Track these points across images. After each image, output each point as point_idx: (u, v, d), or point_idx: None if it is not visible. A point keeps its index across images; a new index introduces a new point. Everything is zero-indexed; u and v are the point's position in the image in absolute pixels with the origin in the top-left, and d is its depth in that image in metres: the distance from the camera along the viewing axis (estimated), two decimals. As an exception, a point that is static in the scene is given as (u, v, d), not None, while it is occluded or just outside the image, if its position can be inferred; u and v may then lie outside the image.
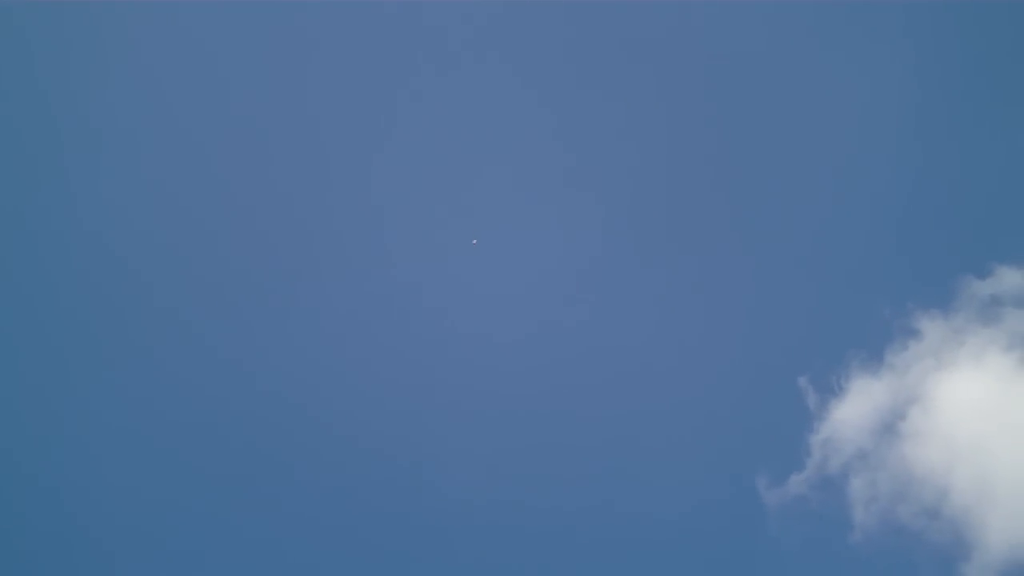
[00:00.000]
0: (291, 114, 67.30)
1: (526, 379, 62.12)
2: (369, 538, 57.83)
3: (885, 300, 61.37)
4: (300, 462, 59.48)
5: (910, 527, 56.15)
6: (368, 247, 64.78)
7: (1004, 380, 58.75)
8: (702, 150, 66.87)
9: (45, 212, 64.75)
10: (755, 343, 62.40)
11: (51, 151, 66.02)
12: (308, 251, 64.46)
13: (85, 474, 58.84)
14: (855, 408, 59.64)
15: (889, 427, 59.02)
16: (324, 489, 58.95)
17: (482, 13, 68.53)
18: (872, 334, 60.82)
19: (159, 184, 65.65)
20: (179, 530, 57.93)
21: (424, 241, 64.36)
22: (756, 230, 64.63)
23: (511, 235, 65.39)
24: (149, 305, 62.96)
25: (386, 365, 61.73)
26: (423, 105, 67.20)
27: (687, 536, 58.35)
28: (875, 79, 65.43)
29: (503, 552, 58.21)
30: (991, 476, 56.51)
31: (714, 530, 58.50)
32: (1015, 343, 59.11)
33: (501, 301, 63.56)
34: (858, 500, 57.41)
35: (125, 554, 57.29)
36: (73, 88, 67.13)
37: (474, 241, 60.46)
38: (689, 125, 67.26)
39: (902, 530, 56.17)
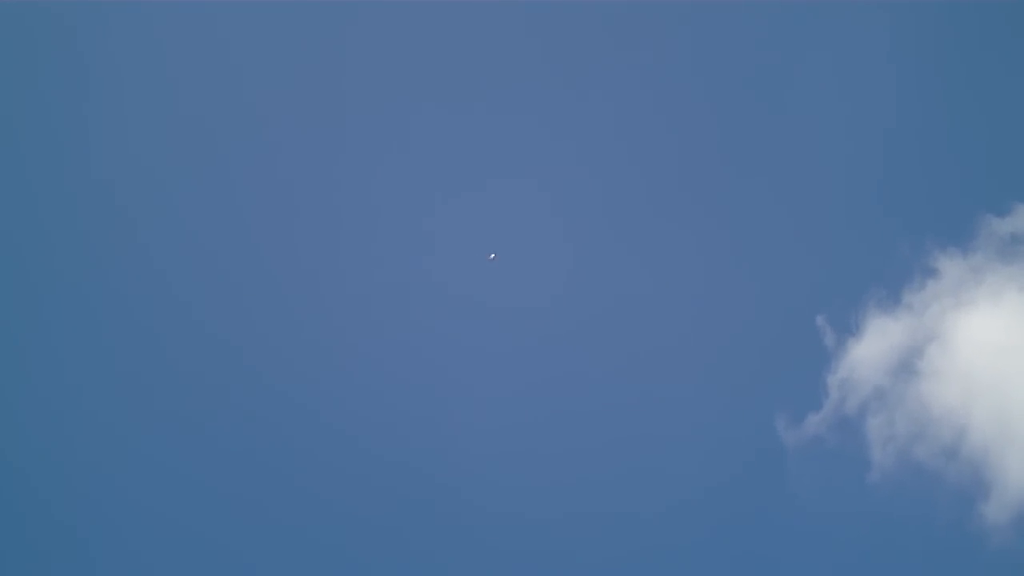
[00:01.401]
0: (290, 116, 66.63)
1: (545, 322, 61.97)
2: (369, 538, 57.62)
3: (903, 238, 60.97)
4: (300, 463, 59.17)
5: (928, 467, 56.00)
6: (368, 247, 64.29)
7: (1023, 318, 58.37)
8: (717, 83, 66.13)
9: (45, 212, 64.30)
10: (773, 282, 62.14)
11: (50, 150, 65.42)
12: (308, 251, 63.95)
13: (85, 474, 58.55)
14: (873, 347, 59.28)
15: (907, 366, 58.71)
16: (324, 491, 58.58)
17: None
18: (890, 272, 60.48)
19: (159, 185, 64.99)
20: (179, 530, 57.58)
21: (427, 239, 64.14)
22: (775, 168, 64.06)
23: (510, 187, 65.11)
24: (150, 305, 62.52)
25: (385, 365, 61.27)
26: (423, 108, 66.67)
27: (704, 476, 58.07)
28: (896, 12, 64.44)
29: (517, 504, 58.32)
30: (1009, 415, 56.30)
31: (732, 469, 58.22)
32: (1034, 281, 58.76)
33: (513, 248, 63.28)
34: (875, 440, 57.24)
35: (126, 553, 57.09)
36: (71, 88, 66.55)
37: (492, 256, 59.53)
38: (702, 58, 66.30)
39: (920, 470, 55.99)
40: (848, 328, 59.75)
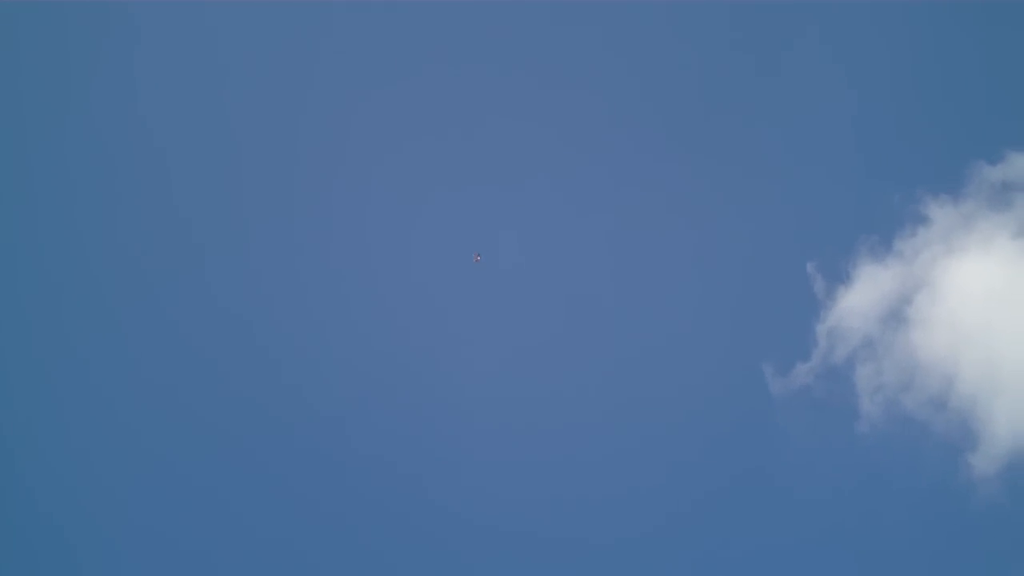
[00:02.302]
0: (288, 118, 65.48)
1: (533, 271, 61.80)
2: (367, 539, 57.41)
3: (895, 186, 60.48)
4: (300, 464, 58.76)
5: (916, 417, 56.01)
6: (367, 247, 63.40)
7: (1013, 266, 58.06)
8: (711, 38, 65.37)
9: (44, 211, 63.38)
10: (765, 229, 61.62)
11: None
12: (308, 252, 63.10)
13: (84, 473, 58.20)
14: (862, 295, 59.00)
15: (896, 314, 58.45)
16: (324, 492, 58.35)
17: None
18: (881, 220, 60.14)
19: (160, 188, 64.05)
20: (177, 530, 57.25)
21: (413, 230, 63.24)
22: (767, 118, 63.37)
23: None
24: (150, 307, 61.75)
25: (383, 366, 60.71)
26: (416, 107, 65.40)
27: (693, 426, 58.11)
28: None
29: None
30: (998, 363, 56.18)
31: (720, 419, 58.21)
32: (1024, 228, 58.37)
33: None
34: (864, 389, 57.21)
35: (126, 553, 56.81)
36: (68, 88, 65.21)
37: (477, 257, 58.66)
38: (695, 23, 65.50)
39: (908, 420, 56.03)
40: (839, 275, 59.55)
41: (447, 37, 65.63)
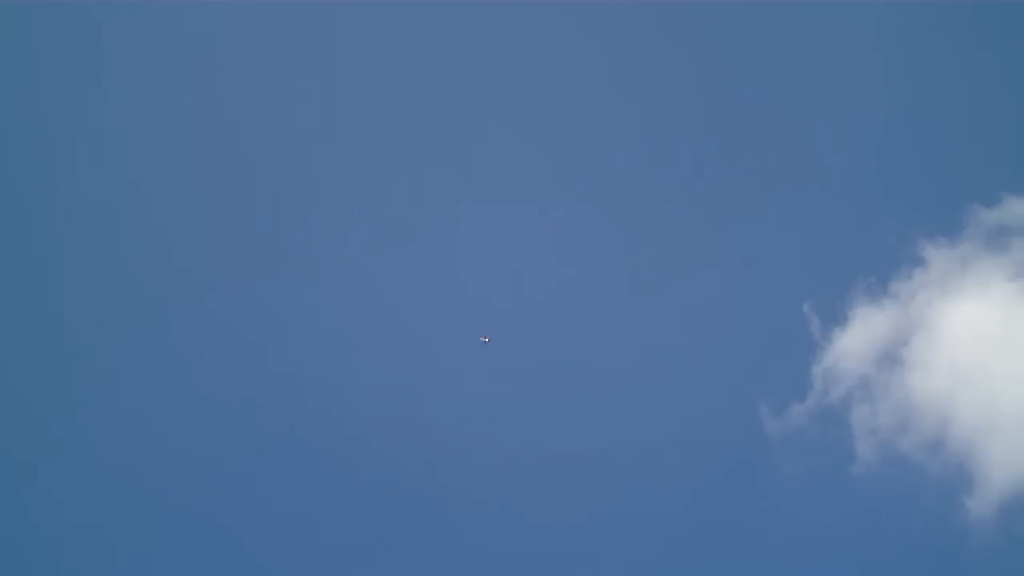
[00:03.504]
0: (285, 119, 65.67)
1: (532, 309, 61.80)
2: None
3: (892, 227, 60.54)
4: (300, 465, 58.66)
5: (912, 459, 55.69)
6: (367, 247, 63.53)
7: (1009, 308, 57.96)
8: (707, 73, 65.52)
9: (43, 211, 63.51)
10: (762, 269, 61.78)
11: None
12: (306, 254, 63.27)
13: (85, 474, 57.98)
14: (859, 336, 58.91)
15: (892, 356, 58.34)
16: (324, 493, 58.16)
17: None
18: (878, 261, 60.11)
19: (159, 191, 64.12)
20: (175, 530, 57.10)
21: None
22: (766, 159, 63.29)
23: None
24: (150, 308, 61.71)
25: (381, 365, 60.79)
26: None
27: (688, 466, 57.83)
28: (888, 7, 63.75)
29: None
30: (994, 405, 55.98)
31: (715, 459, 57.95)
32: (1021, 272, 58.22)
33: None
34: (860, 431, 57.00)
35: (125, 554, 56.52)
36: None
37: (485, 339, 58.98)
38: (695, 50, 65.70)
39: (904, 462, 55.72)
40: (835, 316, 59.46)
41: (446, 40, 66.19)
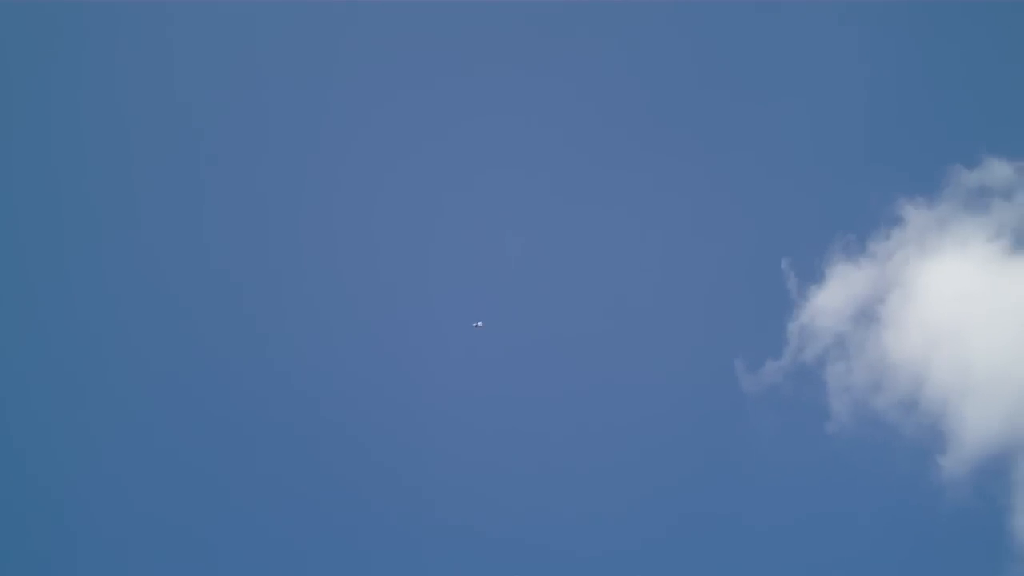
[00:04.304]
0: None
1: (511, 270, 61.39)
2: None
3: (871, 186, 60.13)
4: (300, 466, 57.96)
5: (886, 418, 55.64)
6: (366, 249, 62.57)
7: (987, 269, 57.90)
8: (689, 34, 65.13)
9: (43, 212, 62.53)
10: (741, 223, 61.30)
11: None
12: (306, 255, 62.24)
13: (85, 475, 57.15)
14: (835, 294, 58.76)
15: (868, 314, 58.18)
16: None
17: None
18: (857, 219, 59.79)
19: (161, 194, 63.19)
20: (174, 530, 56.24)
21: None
22: (748, 113, 62.80)
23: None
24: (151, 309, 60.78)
25: (379, 366, 60.16)
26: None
27: (663, 422, 57.64)
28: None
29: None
30: (969, 365, 55.92)
31: (691, 415, 57.79)
32: (1001, 233, 58.13)
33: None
34: (834, 389, 56.85)
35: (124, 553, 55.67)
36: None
37: (478, 324, 58.09)
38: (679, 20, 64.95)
39: (878, 420, 55.63)
40: (812, 274, 59.19)
41: (443, 37, 65.31)
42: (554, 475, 56.49)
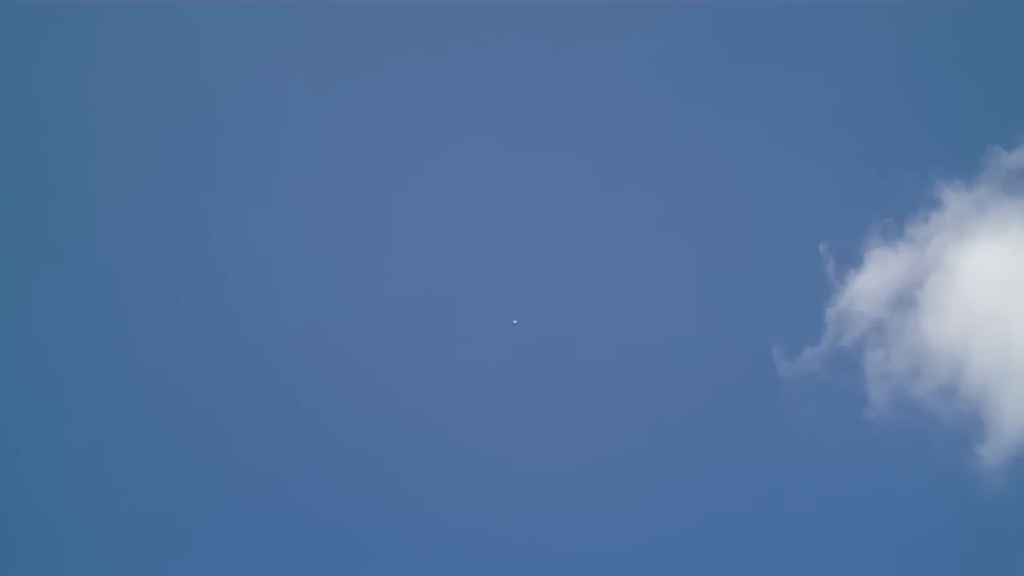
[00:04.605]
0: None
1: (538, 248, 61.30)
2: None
3: (908, 169, 59.68)
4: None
5: (924, 405, 55.65)
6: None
7: (1026, 252, 57.61)
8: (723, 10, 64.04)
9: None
10: (780, 207, 61.13)
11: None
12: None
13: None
14: (873, 279, 58.54)
15: (906, 299, 58.02)
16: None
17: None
18: (894, 203, 59.30)
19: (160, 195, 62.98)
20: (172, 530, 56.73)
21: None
22: (781, 96, 62.23)
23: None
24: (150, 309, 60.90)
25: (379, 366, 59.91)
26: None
27: (698, 408, 57.88)
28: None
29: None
30: (1009, 352, 55.85)
31: (727, 402, 57.95)
32: (1040, 216, 57.76)
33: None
34: (872, 376, 56.75)
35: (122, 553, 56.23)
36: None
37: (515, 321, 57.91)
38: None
39: (916, 408, 55.66)
40: (851, 258, 58.86)
41: (427, 35, 64.79)
42: (579, 457, 56.97)
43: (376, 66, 64.28)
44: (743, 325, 58.82)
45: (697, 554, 54.93)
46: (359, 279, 60.98)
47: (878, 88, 61.83)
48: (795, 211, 60.71)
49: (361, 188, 62.69)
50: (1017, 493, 53.33)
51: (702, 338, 58.71)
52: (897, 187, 59.49)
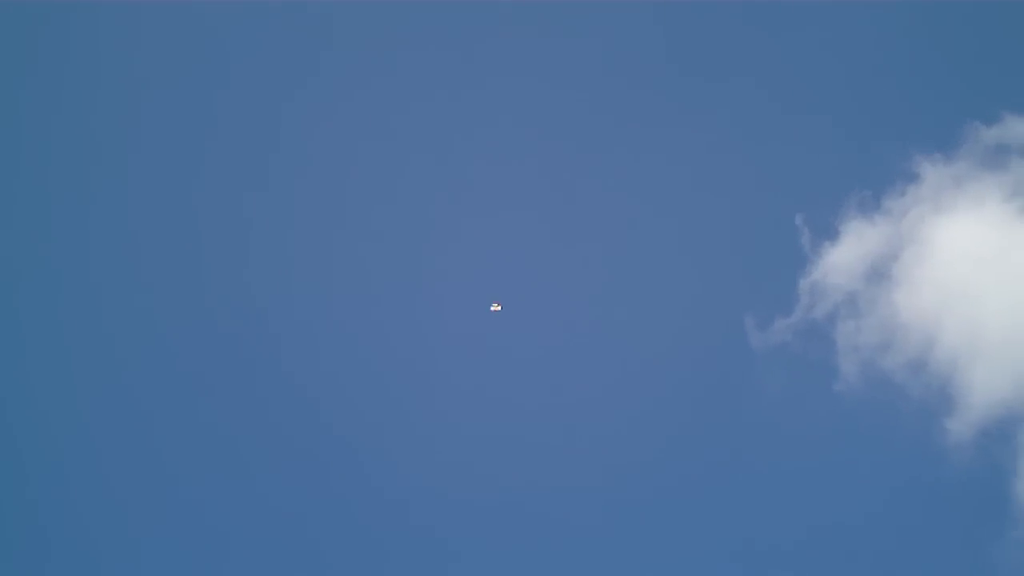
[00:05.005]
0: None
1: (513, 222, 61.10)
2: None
3: (888, 142, 59.57)
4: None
5: (894, 379, 55.62)
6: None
7: (1003, 228, 57.41)
8: None
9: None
10: (758, 178, 60.90)
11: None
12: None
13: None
14: (848, 251, 58.41)
15: (880, 272, 57.92)
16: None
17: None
18: (872, 175, 59.25)
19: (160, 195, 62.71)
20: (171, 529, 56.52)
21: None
22: (763, 68, 62.11)
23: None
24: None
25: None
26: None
27: (669, 376, 57.87)
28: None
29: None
30: (980, 327, 55.73)
31: (698, 370, 57.83)
32: (1018, 192, 57.57)
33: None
34: (843, 348, 56.70)
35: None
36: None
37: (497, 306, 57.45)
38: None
39: (886, 381, 55.63)
40: (826, 230, 58.77)
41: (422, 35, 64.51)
42: (548, 425, 57.05)
43: (365, 64, 64.43)
44: (717, 294, 58.83)
45: (666, 520, 55.05)
46: (352, 276, 60.73)
47: (859, 62, 61.63)
48: (773, 183, 60.64)
49: (350, 184, 62.66)
50: (983, 468, 53.39)
51: (676, 305, 58.74)
52: (876, 160, 59.47)
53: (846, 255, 58.30)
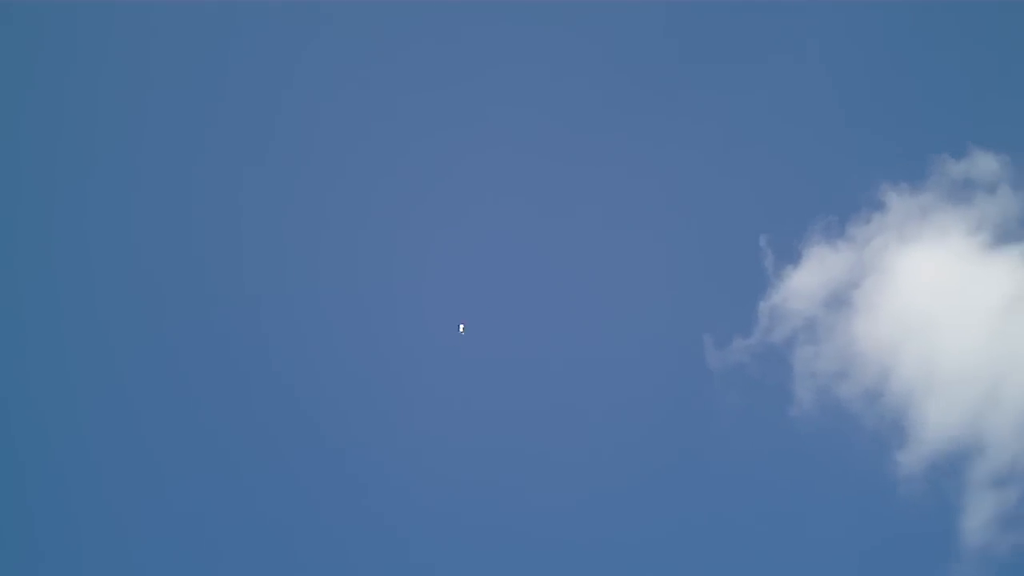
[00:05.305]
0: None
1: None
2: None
3: (856, 168, 59.68)
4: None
5: (849, 407, 55.70)
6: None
7: (965, 261, 57.59)
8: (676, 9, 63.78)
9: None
10: (724, 198, 60.94)
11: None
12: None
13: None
14: (810, 276, 58.41)
15: (841, 298, 57.95)
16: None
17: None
18: (839, 202, 59.43)
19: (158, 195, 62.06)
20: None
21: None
22: (732, 87, 62.02)
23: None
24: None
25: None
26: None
27: (625, 392, 57.64)
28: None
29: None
30: (937, 360, 55.90)
31: (656, 384, 57.75)
32: (982, 226, 57.76)
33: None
34: (800, 373, 56.72)
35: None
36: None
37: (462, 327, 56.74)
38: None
39: (840, 409, 55.67)
40: (789, 253, 58.75)
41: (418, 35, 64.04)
42: (518, 447, 56.73)
43: (365, 65, 63.85)
44: (677, 311, 58.62)
45: (618, 539, 54.63)
46: (352, 276, 60.27)
47: (831, 88, 61.65)
48: (738, 203, 60.59)
49: (350, 184, 62.21)
50: (932, 501, 53.54)
51: (635, 321, 58.56)
52: (843, 186, 59.60)
53: (808, 280, 58.31)
